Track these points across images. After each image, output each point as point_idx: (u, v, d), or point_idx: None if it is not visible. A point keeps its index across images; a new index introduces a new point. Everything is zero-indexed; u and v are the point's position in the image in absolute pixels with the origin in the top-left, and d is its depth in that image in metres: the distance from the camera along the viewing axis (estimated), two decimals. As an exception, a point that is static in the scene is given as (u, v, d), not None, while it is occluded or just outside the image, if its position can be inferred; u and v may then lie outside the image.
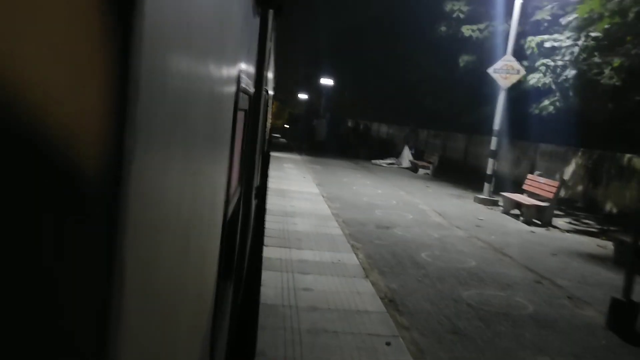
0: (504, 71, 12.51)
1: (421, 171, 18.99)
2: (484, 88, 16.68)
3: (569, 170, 15.13)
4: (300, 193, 11.17)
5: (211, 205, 1.29)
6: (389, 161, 20.92)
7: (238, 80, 1.72)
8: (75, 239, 0.47)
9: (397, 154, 22.33)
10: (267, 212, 8.75)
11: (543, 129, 17.42)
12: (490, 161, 12.86)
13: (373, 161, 21.21)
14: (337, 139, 26.25)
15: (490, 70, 12.74)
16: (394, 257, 6.88)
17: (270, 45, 4.14)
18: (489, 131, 20.43)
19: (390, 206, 10.98)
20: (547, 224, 10.60)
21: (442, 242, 8.03)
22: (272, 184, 11.99)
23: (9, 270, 0.44)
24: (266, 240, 6.78)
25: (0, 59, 0.41)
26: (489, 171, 12.86)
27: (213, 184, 1.30)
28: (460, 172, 19.51)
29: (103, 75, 0.47)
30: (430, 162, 19.19)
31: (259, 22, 2.88)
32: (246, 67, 2.15)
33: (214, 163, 1.28)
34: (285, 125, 34.40)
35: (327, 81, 28.96)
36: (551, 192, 10.64)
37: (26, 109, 0.43)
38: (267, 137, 9.09)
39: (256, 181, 4.36)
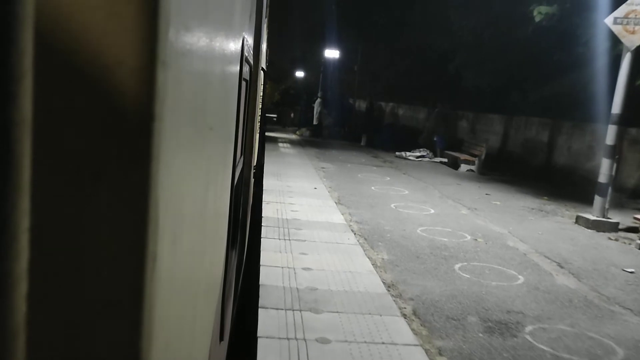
0: (632, 21, 7.91)
1: (463, 167, 14.46)
2: (561, 53, 12.10)
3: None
4: (315, 225, 6.67)
5: (223, 169, 1.26)
6: (418, 154, 16.31)
7: (242, 46, 1.68)
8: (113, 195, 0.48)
9: (425, 144, 17.80)
10: (262, 296, 4.26)
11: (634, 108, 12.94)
12: (606, 163, 8.33)
13: (397, 153, 16.60)
14: (359, 126, 21.44)
15: (608, 21, 8.12)
16: None
17: (265, 17, 3.93)
18: (543, 111, 15.97)
19: (468, 249, 6.49)
20: None
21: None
22: (268, 207, 7.47)
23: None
24: None
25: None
26: (602, 178, 8.34)
27: (224, 146, 1.26)
28: (508, 166, 15.02)
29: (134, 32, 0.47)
30: (475, 155, 14.66)
31: None
32: (248, 35, 2.06)
33: (224, 125, 1.23)
34: (279, 107, 29.71)
35: (332, 53, 24.13)
36: None
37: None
38: (262, 117, 8.06)
39: (254, 160, 4.15)
